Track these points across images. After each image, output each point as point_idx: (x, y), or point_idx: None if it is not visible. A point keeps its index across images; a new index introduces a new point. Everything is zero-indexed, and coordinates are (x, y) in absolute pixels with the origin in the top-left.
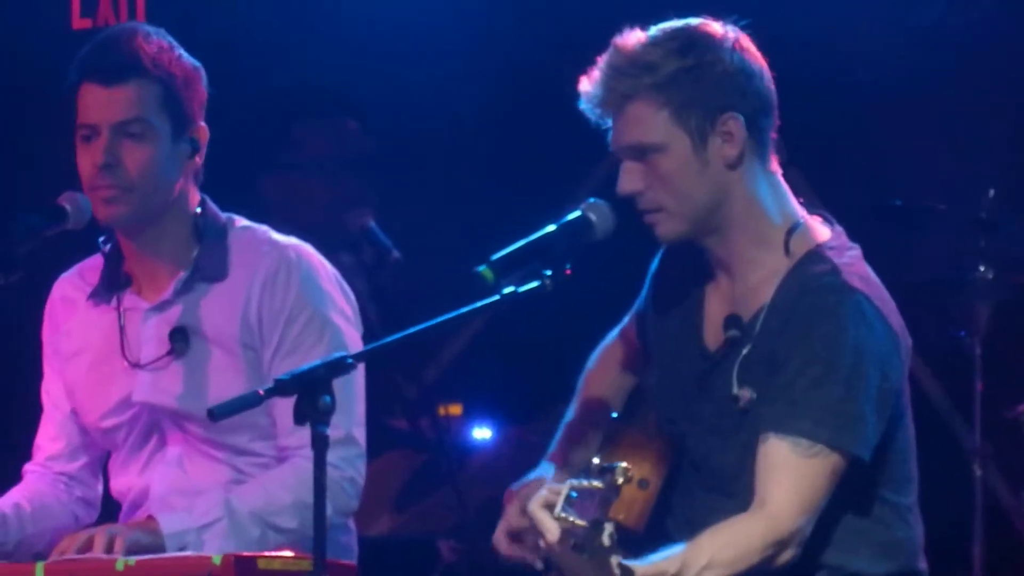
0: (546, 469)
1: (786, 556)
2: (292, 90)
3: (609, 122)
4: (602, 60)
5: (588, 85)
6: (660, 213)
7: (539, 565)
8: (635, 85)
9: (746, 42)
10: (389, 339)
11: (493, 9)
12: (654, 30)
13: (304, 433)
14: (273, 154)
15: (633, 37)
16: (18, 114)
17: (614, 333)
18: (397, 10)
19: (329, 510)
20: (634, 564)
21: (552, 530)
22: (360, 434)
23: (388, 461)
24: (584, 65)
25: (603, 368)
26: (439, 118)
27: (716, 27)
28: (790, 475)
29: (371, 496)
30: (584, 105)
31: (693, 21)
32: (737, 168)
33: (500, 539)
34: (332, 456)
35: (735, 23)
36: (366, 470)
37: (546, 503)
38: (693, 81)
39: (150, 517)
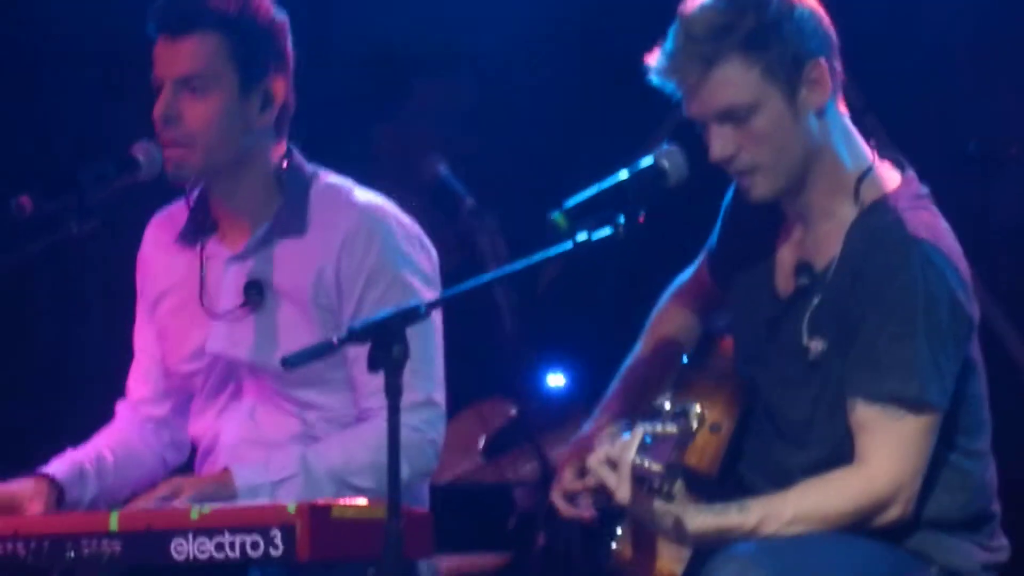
0: (594, 424)
1: (891, 514)
2: (407, 44)
3: (682, 92)
4: (673, 31)
5: (661, 58)
6: (756, 174)
7: (593, 521)
8: (718, 48)
9: None
10: (461, 287)
11: None
12: None
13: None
14: (388, 106)
15: (699, 2)
16: (93, 68)
17: (689, 271)
18: None
19: (408, 472)
20: (707, 515)
21: (622, 488)
22: (440, 396)
23: (480, 410)
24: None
25: (673, 309)
26: (515, 67)
27: None
28: (885, 437)
29: (459, 442)
30: (658, 78)
31: None
32: (823, 115)
33: (557, 500)
34: (414, 419)
35: None
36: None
37: (607, 458)
38: (774, 34)
39: (225, 469)
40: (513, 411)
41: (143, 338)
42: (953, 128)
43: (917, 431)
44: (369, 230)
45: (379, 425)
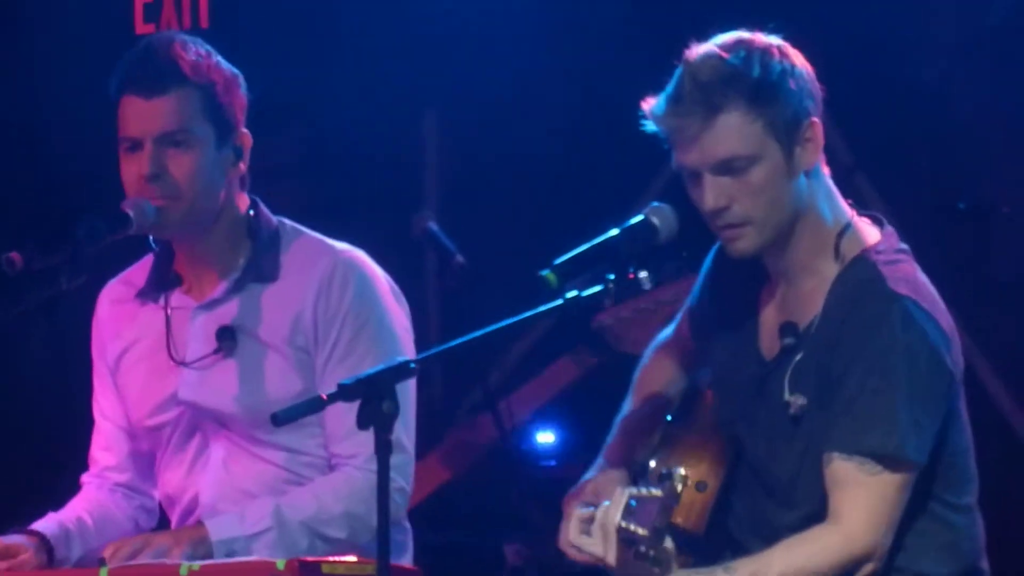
0: (601, 469)
1: (866, 570)
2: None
3: (681, 140)
4: (677, 76)
5: (663, 102)
6: (746, 227)
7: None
8: (725, 95)
9: (789, 47)
10: (451, 344)
11: (560, 13)
12: (719, 44)
13: (356, 442)
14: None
15: (705, 51)
16: (82, 119)
17: (669, 329)
18: (472, 16)
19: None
20: None
21: (609, 553)
22: (409, 442)
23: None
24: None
25: (658, 365)
26: (506, 121)
27: (764, 38)
28: (861, 493)
29: None
30: (657, 124)
31: (744, 34)
32: (811, 175)
33: (565, 546)
34: None
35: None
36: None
37: (583, 526)
38: (778, 89)
39: (199, 523)
40: None
41: (104, 404)
42: (944, 186)
43: (892, 487)
44: (344, 275)
45: (350, 474)
